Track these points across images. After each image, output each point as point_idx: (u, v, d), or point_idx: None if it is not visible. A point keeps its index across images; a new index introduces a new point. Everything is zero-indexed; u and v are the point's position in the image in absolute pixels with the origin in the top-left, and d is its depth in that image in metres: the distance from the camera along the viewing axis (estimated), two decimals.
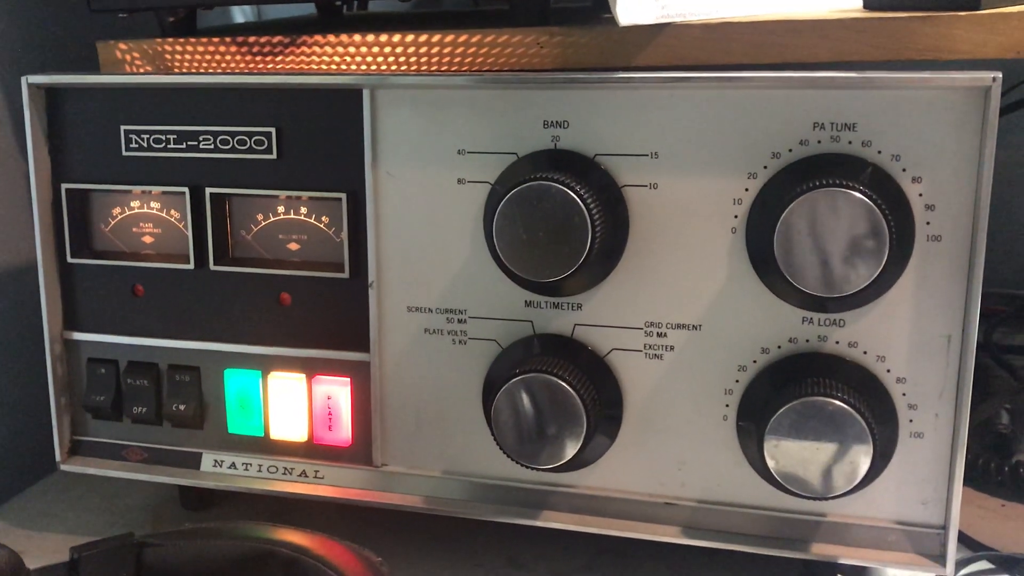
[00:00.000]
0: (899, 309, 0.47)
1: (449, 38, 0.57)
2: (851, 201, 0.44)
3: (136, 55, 0.62)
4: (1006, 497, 0.62)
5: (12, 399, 0.70)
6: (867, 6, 0.55)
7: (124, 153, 0.55)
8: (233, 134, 0.54)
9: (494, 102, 0.50)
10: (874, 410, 0.46)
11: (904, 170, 0.46)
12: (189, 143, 0.54)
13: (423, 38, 0.57)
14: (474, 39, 0.56)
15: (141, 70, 0.62)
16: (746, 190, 0.48)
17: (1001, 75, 0.43)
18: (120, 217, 0.57)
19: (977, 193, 0.45)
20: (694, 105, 0.48)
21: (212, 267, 0.55)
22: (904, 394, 0.48)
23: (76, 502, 0.65)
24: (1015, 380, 0.74)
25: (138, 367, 0.58)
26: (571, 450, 0.49)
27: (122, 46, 0.62)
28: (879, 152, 0.46)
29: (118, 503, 0.64)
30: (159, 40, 0.62)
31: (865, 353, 0.48)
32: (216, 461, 0.58)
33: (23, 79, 0.55)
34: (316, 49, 0.59)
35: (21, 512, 0.64)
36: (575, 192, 0.46)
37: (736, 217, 0.48)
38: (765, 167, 0.47)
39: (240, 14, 0.95)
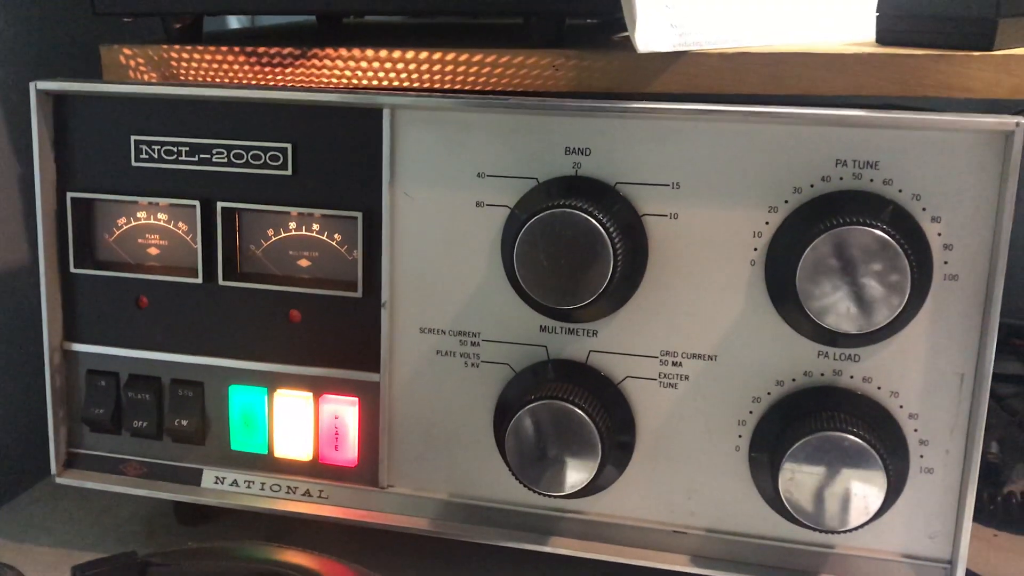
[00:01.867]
0: (914, 346, 0.47)
1: (463, 56, 0.56)
2: (872, 239, 0.44)
3: (141, 61, 0.61)
4: (998, 527, 0.63)
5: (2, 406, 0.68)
6: (880, 41, 0.56)
7: (133, 163, 0.55)
8: (248, 148, 0.53)
9: (516, 126, 0.50)
10: (887, 445, 0.47)
11: (924, 209, 0.46)
12: (202, 156, 0.54)
13: (436, 55, 0.57)
14: (488, 59, 0.56)
15: (146, 76, 0.61)
16: (766, 223, 0.48)
17: None
18: (125, 228, 0.56)
19: (996, 235, 0.46)
20: (717, 137, 0.48)
21: (221, 282, 0.54)
22: (916, 430, 0.48)
23: (67, 513, 0.64)
24: (1002, 410, 0.75)
25: (140, 380, 0.57)
26: (584, 477, 0.49)
27: (127, 51, 0.61)
28: (900, 191, 0.46)
29: (111, 516, 0.63)
30: (165, 46, 0.61)
31: (879, 388, 0.48)
32: (217, 478, 0.57)
33: (31, 85, 0.54)
34: (327, 63, 0.58)
35: (12, 524, 0.63)
36: (597, 220, 0.46)
37: (755, 250, 0.48)
38: (786, 201, 0.48)
39: (235, 19, 0.94)
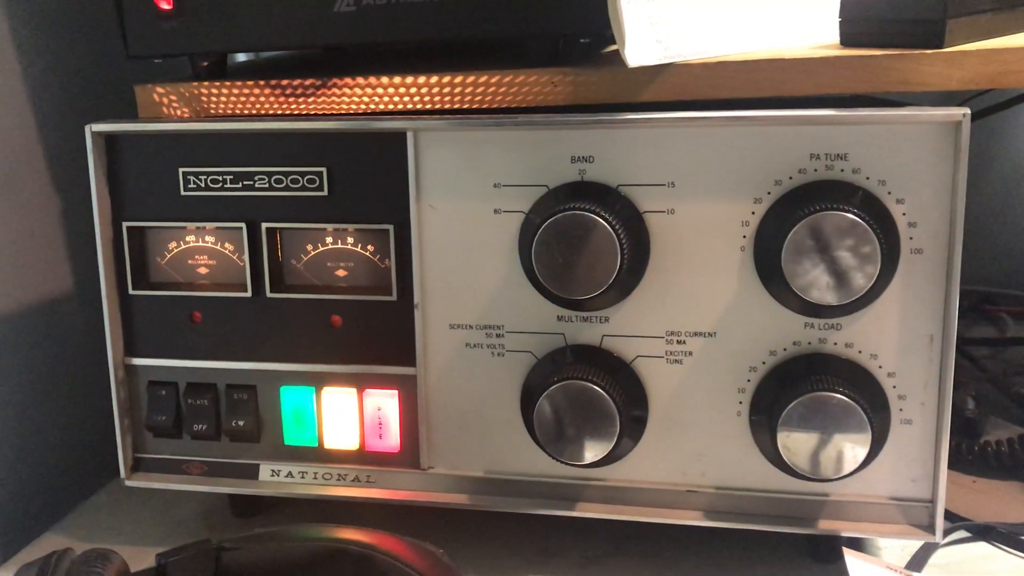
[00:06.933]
0: (888, 313, 0.54)
1: (471, 79, 0.62)
2: (846, 221, 0.51)
3: (173, 98, 0.67)
4: (976, 474, 0.70)
5: (58, 424, 0.74)
6: (844, 44, 0.62)
7: (183, 193, 0.61)
8: (287, 173, 0.59)
9: (526, 140, 0.56)
10: (870, 401, 0.53)
11: (889, 193, 0.53)
12: (245, 182, 0.60)
13: (446, 79, 0.63)
14: (494, 79, 0.62)
15: (178, 112, 0.67)
16: (752, 213, 0.54)
17: (970, 111, 0.51)
18: (176, 251, 0.62)
19: (952, 211, 0.52)
20: (706, 140, 0.54)
21: (268, 294, 0.60)
22: (894, 386, 0.55)
23: (130, 515, 0.70)
24: (977, 369, 0.82)
25: (197, 388, 0.63)
26: (606, 447, 0.55)
27: (159, 89, 0.67)
28: (867, 178, 0.53)
29: (171, 515, 0.69)
30: (195, 83, 0.67)
31: (860, 352, 0.54)
32: (273, 471, 0.63)
33: (87, 128, 0.60)
34: (346, 90, 0.64)
35: (81, 528, 0.68)
36: (605, 219, 0.53)
37: (744, 237, 0.55)
38: (769, 193, 0.54)
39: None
